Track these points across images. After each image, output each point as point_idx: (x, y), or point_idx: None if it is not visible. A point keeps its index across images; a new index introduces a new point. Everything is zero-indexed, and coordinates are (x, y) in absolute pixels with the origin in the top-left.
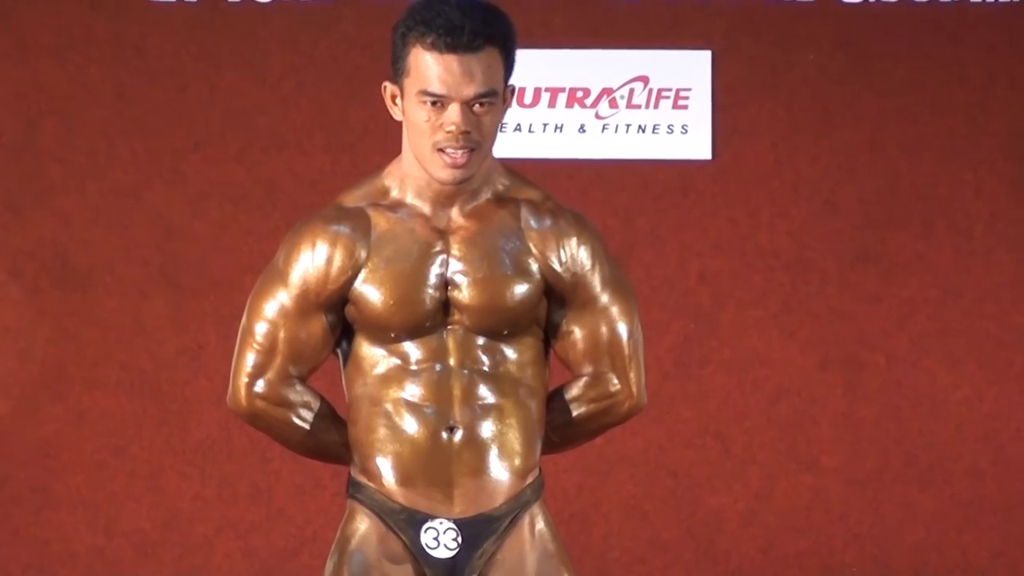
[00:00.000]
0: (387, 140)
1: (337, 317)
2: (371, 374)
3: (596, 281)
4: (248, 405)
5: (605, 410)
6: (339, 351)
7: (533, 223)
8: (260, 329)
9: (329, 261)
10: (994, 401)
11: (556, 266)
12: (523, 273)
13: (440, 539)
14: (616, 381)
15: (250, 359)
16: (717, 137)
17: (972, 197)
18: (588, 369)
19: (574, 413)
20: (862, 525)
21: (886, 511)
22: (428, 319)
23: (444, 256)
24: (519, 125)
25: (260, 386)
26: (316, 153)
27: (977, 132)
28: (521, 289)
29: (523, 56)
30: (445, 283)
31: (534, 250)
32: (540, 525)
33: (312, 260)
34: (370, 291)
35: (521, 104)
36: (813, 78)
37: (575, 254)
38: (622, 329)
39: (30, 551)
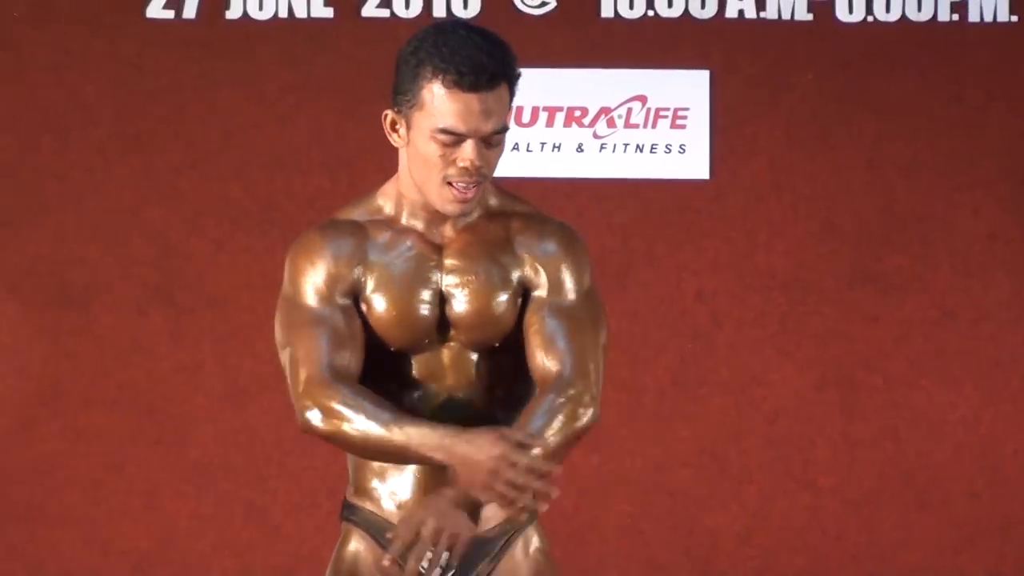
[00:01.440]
0: (384, 158)
1: (356, 307)
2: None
3: (567, 280)
4: (321, 416)
5: (569, 412)
6: None
7: (521, 231)
8: (299, 346)
9: (334, 258)
10: (991, 422)
11: (534, 267)
12: (508, 282)
13: (433, 563)
14: (577, 389)
15: (302, 375)
16: (715, 157)
17: (969, 218)
18: (544, 363)
19: (552, 424)
20: (859, 546)
21: (883, 531)
22: (426, 334)
23: (438, 270)
24: (517, 144)
25: (303, 394)
26: (314, 171)
27: (974, 153)
28: (505, 298)
29: (522, 76)
30: (440, 296)
31: (519, 255)
32: (534, 546)
33: (314, 263)
34: (373, 298)
35: (519, 123)
36: (811, 98)
37: (554, 258)
38: (586, 341)
39: (26, 570)
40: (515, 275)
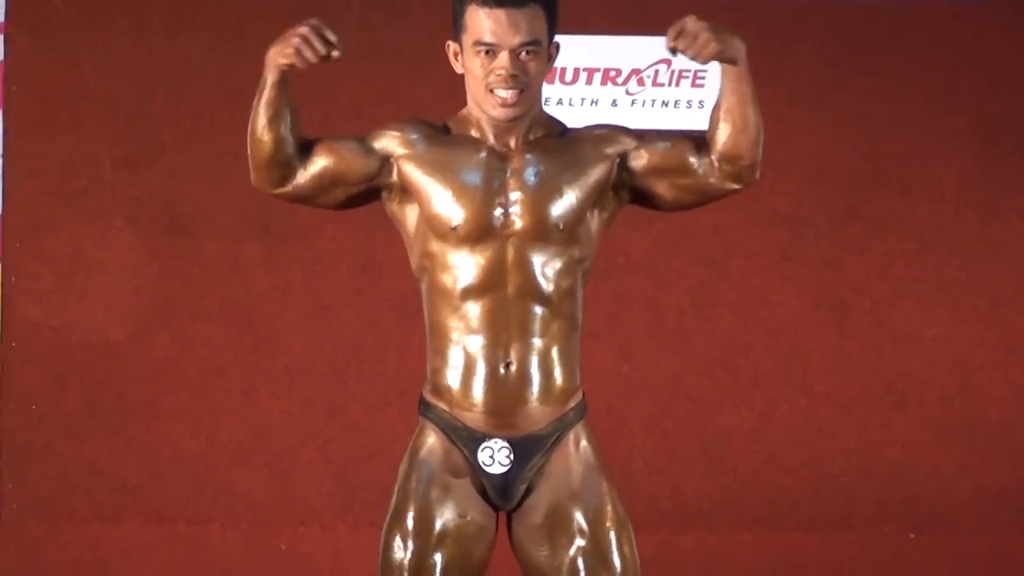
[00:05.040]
0: (449, 111)
1: (370, 172)
2: (443, 309)
3: (633, 132)
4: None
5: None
6: (421, 283)
7: (586, 135)
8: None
9: (401, 127)
10: (961, 338)
11: (603, 143)
12: (581, 175)
13: (495, 456)
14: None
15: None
16: None
17: (944, 165)
18: (695, 156)
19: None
20: (848, 442)
21: (869, 430)
22: (487, 220)
23: (503, 173)
24: (560, 100)
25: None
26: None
27: (948, 110)
28: (577, 189)
29: (564, 41)
30: (504, 196)
31: (586, 148)
32: (583, 442)
33: (393, 121)
34: (429, 181)
35: (563, 82)
36: (810, 63)
37: (607, 128)
38: (682, 136)
39: (142, 456)
40: (586, 171)
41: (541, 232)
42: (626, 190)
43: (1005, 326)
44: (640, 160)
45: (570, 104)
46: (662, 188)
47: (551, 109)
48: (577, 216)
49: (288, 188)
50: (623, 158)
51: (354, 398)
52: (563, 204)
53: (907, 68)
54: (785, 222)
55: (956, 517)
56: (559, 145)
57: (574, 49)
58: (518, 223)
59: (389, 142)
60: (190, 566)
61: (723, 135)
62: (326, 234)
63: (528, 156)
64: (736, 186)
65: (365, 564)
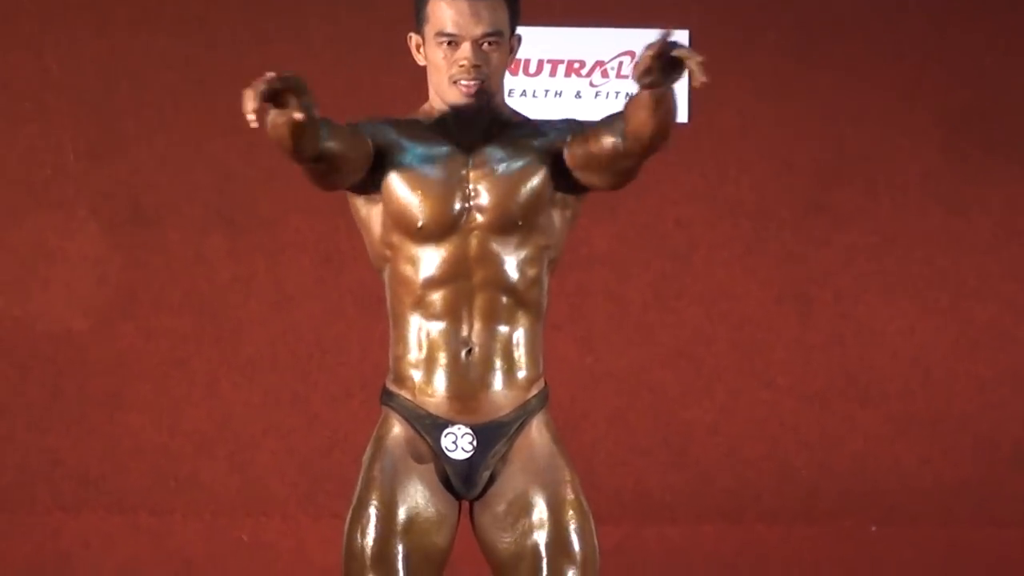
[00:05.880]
0: (412, 103)
1: (373, 155)
2: (405, 299)
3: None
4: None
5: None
6: (383, 273)
7: (545, 128)
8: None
9: (384, 122)
10: (923, 332)
11: (552, 132)
12: (537, 165)
13: (458, 442)
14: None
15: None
16: (692, 104)
17: (907, 159)
18: (608, 130)
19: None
20: (811, 435)
21: (831, 423)
22: (450, 217)
23: (465, 168)
24: (524, 91)
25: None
26: (352, 112)
27: (912, 104)
28: (535, 179)
29: (528, 33)
30: (464, 191)
31: (549, 144)
32: (546, 430)
33: (370, 119)
34: (398, 180)
35: (527, 73)
36: (775, 56)
37: (565, 122)
38: None
39: (104, 446)
40: (541, 161)
41: (503, 225)
42: (568, 176)
43: (968, 320)
44: (566, 142)
45: (534, 96)
46: (576, 162)
47: (515, 100)
48: (537, 208)
49: (321, 149)
50: (561, 140)
51: (316, 389)
52: (523, 197)
53: (871, 62)
54: (749, 215)
55: (918, 510)
56: (519, 138)
57: (538, 41)
58: (479, 217)
59: (375, 133)
60: (152, 557)
61: (634, 119)
62: (289, 225)
63: (489, 150)
64: (629, 163)
65: (327, 555)
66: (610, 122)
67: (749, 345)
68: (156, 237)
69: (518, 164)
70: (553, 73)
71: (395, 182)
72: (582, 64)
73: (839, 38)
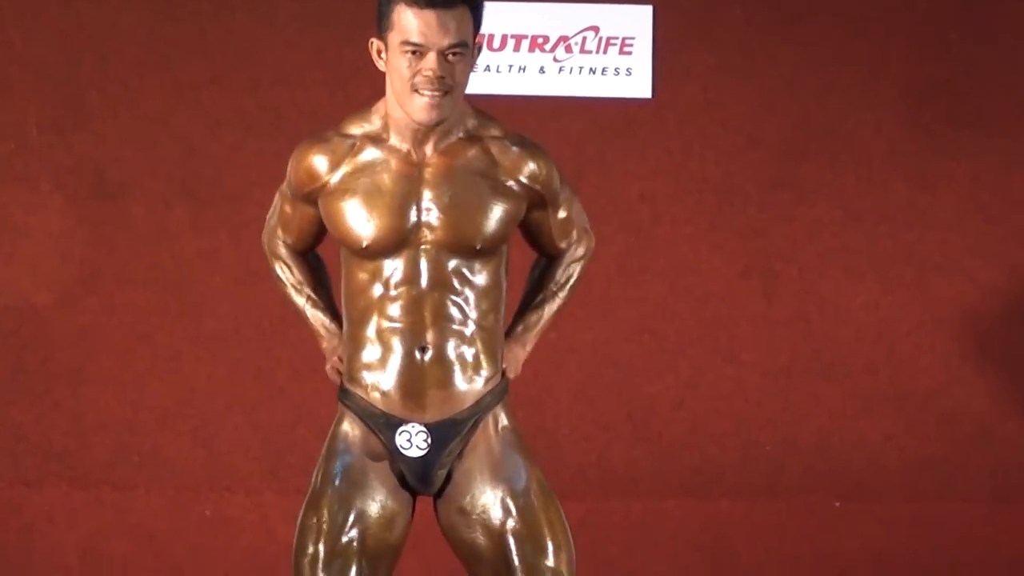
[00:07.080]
0: (375, 78)
1: (318, 212)
2: (359, 301)
3: (558, 187)
4: (269, 253)
5: (583, 259)
6: (341, 272)
7: (503, 156)
8: (274, 204)
9: (307, 171)
10: (888, 307)
11: (529, 181)
12: (500, 196)
13: (413, 440)
14: (581, 242)
15: (272, 223)
16: (657, 79)
17: (872, 134)
18: (563, 244)
19: (573, 273)
20: (775, 411)
21: (795, 399)
22: (399, 234)
23: (418, 185)
24: (488, 66)
25: (265, 236)
26: (315, 87)
27: (877, 79)
28: (497, 210)
29: (492, 7)
30: (418, 207)
31: (509, 176)
32: (503, 423)
33: (296, 167)
34: (340, 205)
35: (491, 48)
36: (739, 30)
37: (543, 171)
38: (575, 211)
39: (67, 421)
40: (509, 189)
41: (457, 247)
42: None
43: (933, 295)
44: (539, 213)
45: (498, 71)
46: (531, 230)
47: (480, 76)
48: (494, 234)
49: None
50: (536, 202)
51: (280, 363)
52: (479, 222)
53: (836, 36)
54: (713, 190)
55: (882, 486)
56: (479, 154)
57: (502, 16)
58: (430, 235)
59: (303, 186)
60: (115, 531)
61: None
62: (254, 199)
63: (442, 165)
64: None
65: (290, 529)
66: (565, 234)
67: (713, 320)
68: (120, 211)
69: (473, 187)
70: (517, 48)
71: (341, 210)
72: (546, 39)
73: (805, 12)
